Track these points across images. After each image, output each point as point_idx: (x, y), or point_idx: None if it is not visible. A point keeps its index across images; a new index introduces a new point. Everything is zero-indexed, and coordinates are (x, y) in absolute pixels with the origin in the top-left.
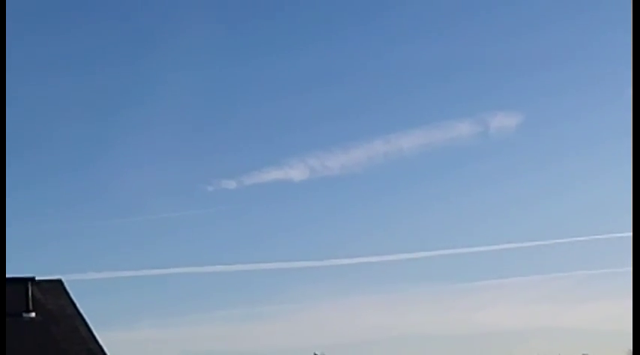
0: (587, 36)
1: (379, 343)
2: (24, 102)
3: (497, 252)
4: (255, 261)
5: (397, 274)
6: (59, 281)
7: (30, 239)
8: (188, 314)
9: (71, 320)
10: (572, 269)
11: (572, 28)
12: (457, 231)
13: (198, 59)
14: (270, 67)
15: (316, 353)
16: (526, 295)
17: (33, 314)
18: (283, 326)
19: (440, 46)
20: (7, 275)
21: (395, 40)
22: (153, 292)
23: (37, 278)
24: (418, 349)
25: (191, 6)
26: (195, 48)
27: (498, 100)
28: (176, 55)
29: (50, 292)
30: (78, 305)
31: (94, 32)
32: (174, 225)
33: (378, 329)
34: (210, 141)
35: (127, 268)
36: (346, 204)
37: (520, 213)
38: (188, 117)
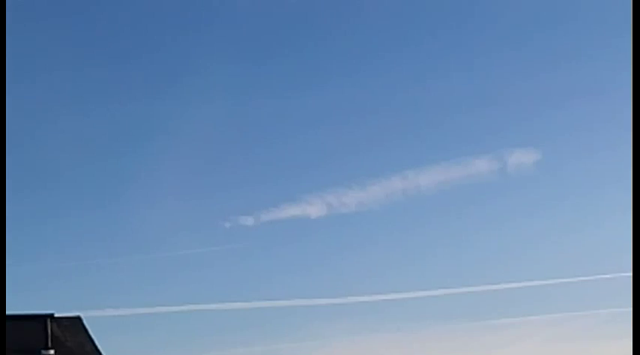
0: (606, 73)
1: None
2: (44, 137)
3: (518, 289)
4: (273, 298)
5: (415, 312)
6: (78, 318)
7: (49, 275)
8: (206, 351)
9: None
10: (594, 307)
11: (591, 65)
12: (476, 268)
13: (216, 94)
14: (287, 103)
15: None
16: (547, 333)
17: (52, 352)
18: None
19: (457, 82)
20: (26, 312)
21: (412, 77)
22: (171, 329)
23: (56, 315)
24: None
25: (210, 41)
26: (213, 84)
27: (516, 137)
28: (194, 90)
29: (69, 329)
30: (96, 341)
31: (112, 67)
32: (191, 262)
33: None
34: (227, 178)
35: (145, 305)
36: (364, 241)
37: (540, 250)
38: (206, 153)
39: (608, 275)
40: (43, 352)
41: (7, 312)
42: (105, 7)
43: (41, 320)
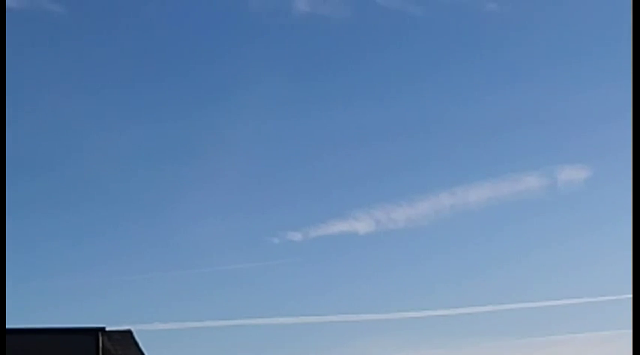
0: None
1: None
2: (90, 153)
3: (567, 306)
4: (321, 313)
5: (463, 328)
6: (129, 332)
7: (100, 289)
8: None
9: None
10: None
11: None
12: (524, 284)
13: (265, 111)
14: (335, 119)
15: None
16: (596, 351)
17: None
18: None
19: (507, 98)
20: (78, 325)
21: (462, 93)
22: (219, 343)
23: (107, 329)
24: None
25: (257, 58)
26: (261, 99)
27: (567, 153)
28: (242, 107)
29: (120, 342)
30: None
31: (160, 84)
32: (240, 277)
33: None
34: (276, 193)
35: (194, 319)
36: (412, 257)
37: (591, 267)
38: (254, 168)
39: None
40: None
41: (60, 325)
42: (155, 22)
43: (92, 333)
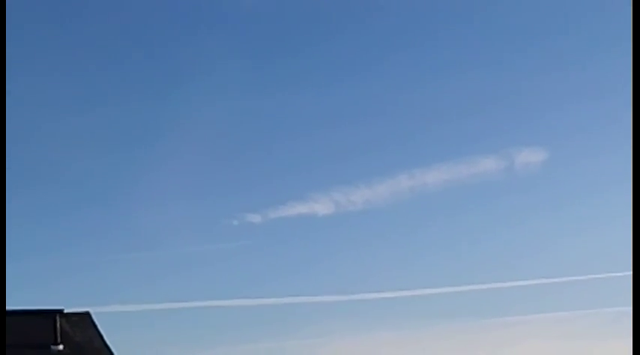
0: (617, 72)
1: None
2: (48, 136)
3: (524, 287)
4: (280, 295)
5: (423, 310)
6: (87, 314)
7: (58, 271)
8: (213, 348)
9: (98, 353)
10: (601, 305)
11: (602, 64)
12: (482, 266)
13: (222, 94)
14: (295, 102)
15: None
16: (554, 331)
17: (61, 347)
18: None
19: (464, 81)
20: (36, 308)
21: (419, 76)
22: (178, 325)
23: (65, 311)
24: None
25: (216, 40)
26: (218, 83)
27: (524, 136)
28: (201, 89)
29: (78, 324)
30: (105, 337)
31: (117, 66)
32: (199, 259)
33: None
34: (234, 175)
35: (153, 301)
36: (370, 238)
37: (547, 249)
38: (213, 151)
39: (616, 274)
40: (52, 347)
41: (17, 308)
42: (111, 6)
43: (50, 315)
